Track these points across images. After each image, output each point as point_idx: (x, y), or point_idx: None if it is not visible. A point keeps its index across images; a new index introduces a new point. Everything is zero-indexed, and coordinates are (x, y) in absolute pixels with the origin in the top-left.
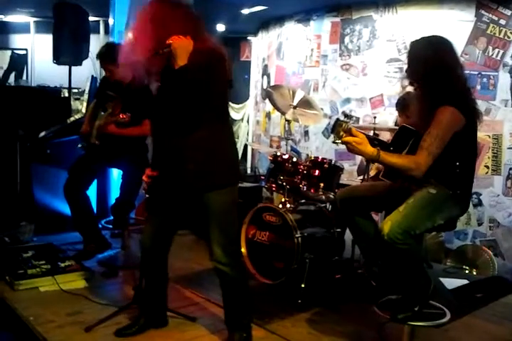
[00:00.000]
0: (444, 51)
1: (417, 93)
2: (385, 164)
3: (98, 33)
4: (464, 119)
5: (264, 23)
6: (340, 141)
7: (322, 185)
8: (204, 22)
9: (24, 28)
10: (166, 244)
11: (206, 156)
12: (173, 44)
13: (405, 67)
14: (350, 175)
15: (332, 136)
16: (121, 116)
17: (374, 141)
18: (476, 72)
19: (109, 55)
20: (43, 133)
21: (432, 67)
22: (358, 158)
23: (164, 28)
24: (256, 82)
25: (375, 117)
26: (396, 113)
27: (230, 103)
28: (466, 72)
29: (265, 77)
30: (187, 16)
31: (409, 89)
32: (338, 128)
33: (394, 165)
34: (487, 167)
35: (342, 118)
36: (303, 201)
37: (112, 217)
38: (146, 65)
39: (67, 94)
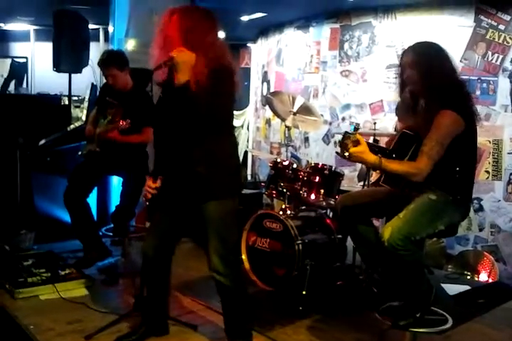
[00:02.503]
0: (443, 57)
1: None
2: (387, 171)
3: (98, 40)
4: (463, 123)
5: (264, 29)
6: (347, 154)
7: (322, 191)
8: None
9: (24, 36)
10: (168, 253)
11: (208, 168)
12: (176, 58)
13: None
14: (351, 181)
15: (339, 149)
16: (120, 122)
17: (374, 147)
18: (476, 78)
19: (110, 60)
20: (43, 141)
21: (434, 71)
22: (359, 164)
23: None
24: (256, 89)
25: (375, 123)
26: (396, 118)
27: None
28: (466, 77)
29: (265, 84)
30: (203, 27)
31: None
32: (346, 141)
33: (396, 172)
34: (488, 172)
35: (350, 129)
36: (303, 207)
37: (112, 225)
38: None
39: (67, 102)
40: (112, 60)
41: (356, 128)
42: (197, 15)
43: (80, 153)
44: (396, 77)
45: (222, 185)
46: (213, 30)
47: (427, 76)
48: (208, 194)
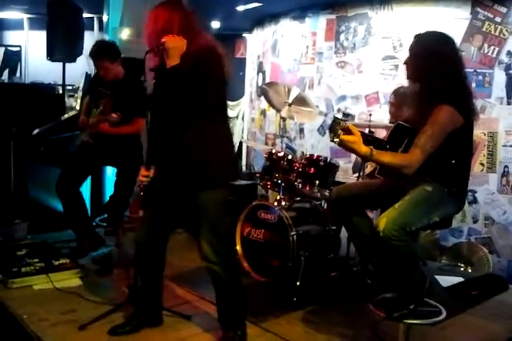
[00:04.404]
0: (450, 47)
1: (416, 88)
2: (378, 163)
3: (92, 29)
4: (461, 119)
5: (259, 20)
6: (337, 140)
7: (317, 182)
8: (200, 19)
9: (18, 25)
10: (161, 242)
11: (198, 155)
12: (166, 43)
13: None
14: (346, 173)
15: (329, 134)
16: (112, 115)
17: (368, 138)
18: (472, 70)
19: (102, 52)
20: (36, 131)
21: (438, 63)
22: (354, 156)
23: (163, 29)
24: (251, 80)
25: (370, 115)
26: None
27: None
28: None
29: (260, 74)
30: (185, 16)
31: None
32: (336, 127)
33: (386, 164)
34: (482, 164)
35: (340, 116)
36: (298, 199)
37: (106, 215)
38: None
39: (61, 91)
40: (103, 53)
41: (346, 115)
42: (182, 7)
43: (71, 146)
44: (392, 69)
45: (215, 174)
46: (196, 20)
47: (421, 64)
48: (201, 182)
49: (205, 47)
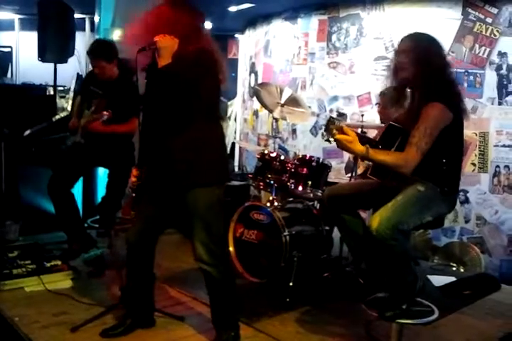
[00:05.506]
0: (435, 49)
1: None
2: (374, 161)
3: (84, 30)
4: (451, 115)
5: (252, 20)
6: (332, 139)
7: (310, 183)
8: (203, 21)
9: (9, 25)
10: (151, 242)
11: (193, 155)
12: (158, 43)
13: (392, 63)
14: (338, 173)
15: (324, 133)
16: (103, 113)
17: (362, 138)
18: (463, 70)
19: (99, 52)
20: (28, 132)
21: (424, 63)
22: (346, 156)
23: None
24: (243, 80)
25: (362, 115)
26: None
27: None
28: (453, 70)
29: (253, 75)
30: (192, 18)
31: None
32: (331, 126)
33: (383, 163)
34: (474, 164)
35: (334, 116)
36: (291, 199)
37: (98, 216)
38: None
39: (52, 92)
40: (100, 52)
41: (341, 114)
42: (184, 7)
43: (63, 146)
44: (384, 69)
45: (209, 172)
46: (199, 20)
47: (419, 63)
48: (194, 181)
49: (204, 48)
